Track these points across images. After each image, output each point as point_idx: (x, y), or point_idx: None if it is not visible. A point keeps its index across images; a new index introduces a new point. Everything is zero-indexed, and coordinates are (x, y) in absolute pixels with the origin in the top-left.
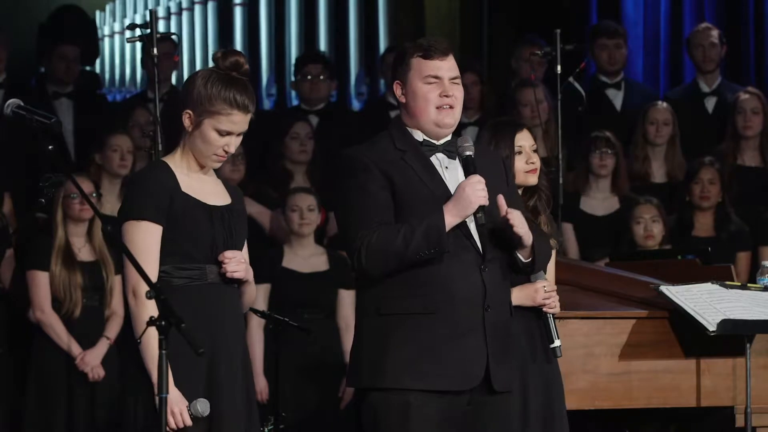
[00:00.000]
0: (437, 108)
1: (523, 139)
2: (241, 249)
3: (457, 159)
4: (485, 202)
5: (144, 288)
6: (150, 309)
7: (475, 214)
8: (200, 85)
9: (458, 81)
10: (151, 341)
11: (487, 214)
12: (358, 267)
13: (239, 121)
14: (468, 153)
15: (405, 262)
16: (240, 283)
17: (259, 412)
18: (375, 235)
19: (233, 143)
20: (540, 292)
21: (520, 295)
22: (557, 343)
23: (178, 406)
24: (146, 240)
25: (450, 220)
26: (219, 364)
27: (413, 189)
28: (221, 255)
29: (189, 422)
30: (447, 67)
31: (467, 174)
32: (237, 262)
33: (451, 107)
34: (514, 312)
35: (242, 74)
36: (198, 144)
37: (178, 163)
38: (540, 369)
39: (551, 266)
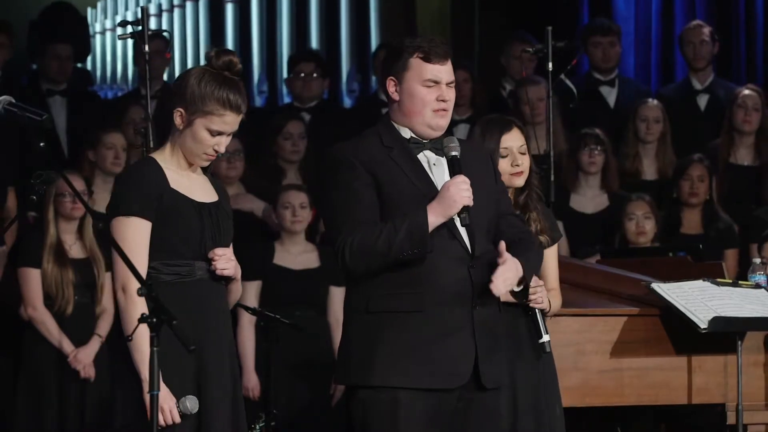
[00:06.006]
0: (434, 111)
1: (511, 140)
2: (228, 246)
3: (444, 156)
4: (469, 202)
5: (133, 284)
6: (139, 305)
7: (459, 214)
8: (194, 83)
9: (453, 84)
10: (140, 338)
11: (471, 214)
12: (342, 266)
13: (231, 122)
14: (454, 153)
15: (388, 261)
16: (228, 280)
17: (250, 410)
18: (358, 234)
19: (224, 143)
20: None
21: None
22: (546, 338)
23: (167, 402)
24: (135, 236)
25: (433, 219)
26: (207, 362)
27: (400, 186)
28: (211, 252)
29: (178, 419)
30: (446, 71)
31: (453, 175)
32: (227, 260)
33: (445, 111)
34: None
35: (235, 74)
36: (188, 142)
37: (167, 160)
38: (530, 365)
39: (553, 263)
